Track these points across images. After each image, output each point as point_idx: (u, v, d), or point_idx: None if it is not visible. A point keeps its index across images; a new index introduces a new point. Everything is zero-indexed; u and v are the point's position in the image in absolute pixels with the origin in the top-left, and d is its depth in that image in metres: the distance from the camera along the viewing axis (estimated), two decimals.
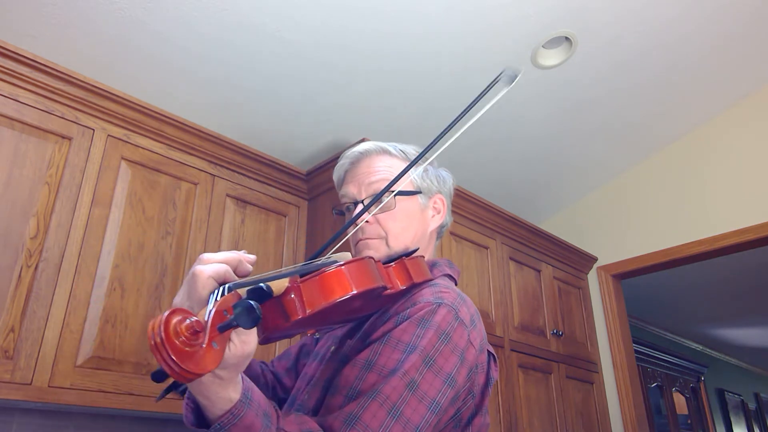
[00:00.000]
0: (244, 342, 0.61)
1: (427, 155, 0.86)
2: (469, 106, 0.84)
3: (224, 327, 0.55)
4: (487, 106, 0.86)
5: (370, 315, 0.89)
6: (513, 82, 0.88)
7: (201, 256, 0.68)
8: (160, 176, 1.92)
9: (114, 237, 1.75)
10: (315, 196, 2.31)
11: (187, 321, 0.54)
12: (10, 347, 1.48)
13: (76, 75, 1.75)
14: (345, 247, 0.89)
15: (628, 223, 3.09)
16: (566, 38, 2.23)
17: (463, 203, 2.47)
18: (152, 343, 0.51)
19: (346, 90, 2.28)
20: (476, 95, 0.85)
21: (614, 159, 3.08)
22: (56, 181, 1.67)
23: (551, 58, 2.30)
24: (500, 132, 2.69)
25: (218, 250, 1.92)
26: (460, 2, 1.99)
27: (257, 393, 0.67)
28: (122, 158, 1.84)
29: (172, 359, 0.51)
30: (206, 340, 0.54)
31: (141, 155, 1.88)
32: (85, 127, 1.78)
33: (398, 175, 0.88)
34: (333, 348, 0.94)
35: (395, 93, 2.34)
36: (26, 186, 1.61)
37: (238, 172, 2.13)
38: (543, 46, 2.25)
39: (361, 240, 0.97)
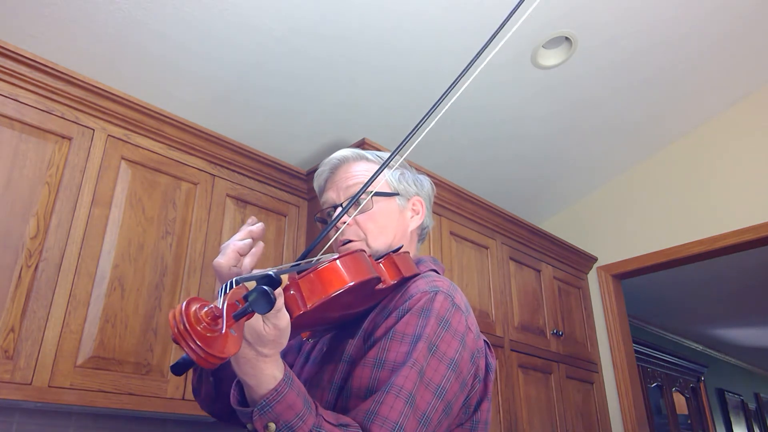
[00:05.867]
0: (276, 320, 0.64)
1: (427, 119, 0.87)
2: (376, 172, 0.85)
3: (239, 314, 0.57)
4: (384, 179, 0.95)
5: (363, 313, 0.90)
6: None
7: (222, 245, 0.75)
8: (160, 176, 1.92)
9: (114, 237, 1.75)
10: (315, 196, 2.30)
11: (206, 308, 0.56)
12: (10, 347, 1.48)
13: (76, 75, 1.75)
14: (328, 252, 0.90)
15: (628, 223, 3.09)
16: (566, 38, 2.23)
17: (463, 203, 2.47)
18: (176, 330, 0.53)
19: (346, 89, 2.28)
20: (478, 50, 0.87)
21: (614, 159, 3.08)
22: (56, 181, 1.67)
23: (551, 58, 2.30)
24: (500, 132, 2.69)
25: (218, 250, 1.92)
26: (460, 1, 1.99)
27: (297, 379, 0.71)
28: (122, 158, 1.84)
29: (197, 344, 0.53)
30: (224, 327, 0.56)
31: (141, 155, 1.88)
32: (85, 127, 1.78)
33: (392, 153, 0.90)
34: (325, 349, 0.94)
35: (395, 92, 2.34)
36: (26, 186, 1.61)
37: (238, 172, 2.13)
38: (543, 46, 2.25)
39: (342, 243, 0.99)
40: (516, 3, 0.89)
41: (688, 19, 2.24)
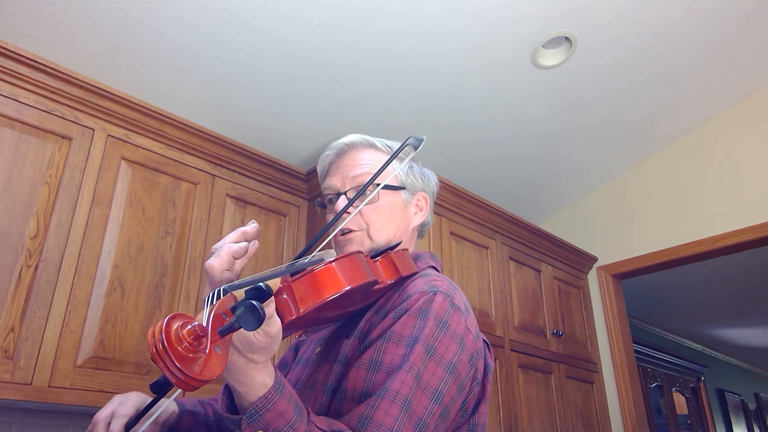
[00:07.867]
0: (267, 327, 0.62)
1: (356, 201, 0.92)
2: (381, 167, 0.93)
3: (225, 330, 0.53)
4: (394, 173, 1.00)
5: (359, 312, 0.88)
6: (419, 147, 0.97)
7: (212, 247, 0.72)
8: (160, 176, 1.92)
9: (114, 237, 1.75)
10: (315, 196, 2.31)
11: (189, 326, 0.52)
12: (10, 347, 1.48)
13: (76, 75, 1.75)
14: (327, 246, 0.89)
15: (628, 223, 3.09)
16: (566, 38, 2.23)
17: (463, 203, 2.46)
18: (153, 350, 0.49)
19: (346, 90, 2.28)
20: (387, 159, 0.95)
21: (614, 159, 3.08)
22: (56, 181, 1.67)
23: (551, 58, 2.30)
24: (500, 132, 2.69)
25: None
26: (460, 2, 1.99)
27: (289, 385, 0.69)
28: (122, 158, 1.84)
29: (177, 366, 0.49)
30: (209, 346, 0.52)
31: (141, 155, 1.88)
32: (85, 127, 1.78)
33: (380, 168, 0.90)
34: (319, 350, 0.92)
35: (395, 93, 2.34)
36: (26, 186, 1.61)
37: (238, 172, 2.13)
38: (543, 46, 2.25)
39: (343, 231, 0.96)
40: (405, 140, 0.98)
41: (688, 20, 2.24)
